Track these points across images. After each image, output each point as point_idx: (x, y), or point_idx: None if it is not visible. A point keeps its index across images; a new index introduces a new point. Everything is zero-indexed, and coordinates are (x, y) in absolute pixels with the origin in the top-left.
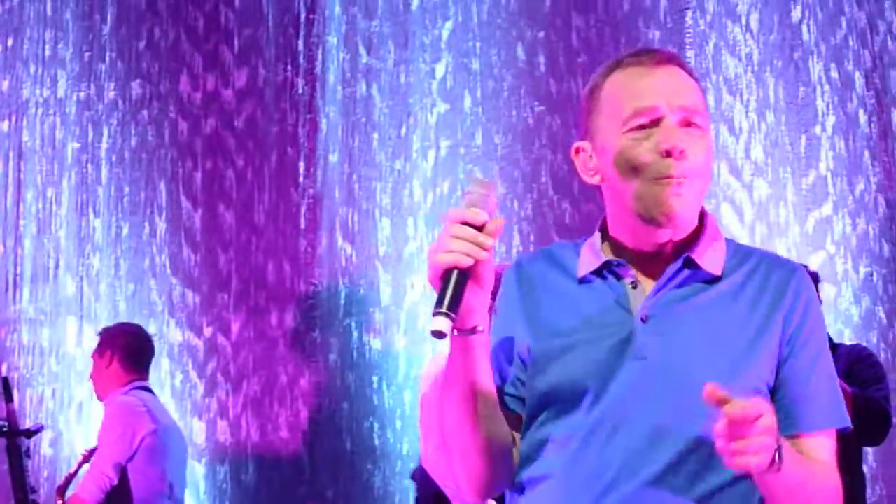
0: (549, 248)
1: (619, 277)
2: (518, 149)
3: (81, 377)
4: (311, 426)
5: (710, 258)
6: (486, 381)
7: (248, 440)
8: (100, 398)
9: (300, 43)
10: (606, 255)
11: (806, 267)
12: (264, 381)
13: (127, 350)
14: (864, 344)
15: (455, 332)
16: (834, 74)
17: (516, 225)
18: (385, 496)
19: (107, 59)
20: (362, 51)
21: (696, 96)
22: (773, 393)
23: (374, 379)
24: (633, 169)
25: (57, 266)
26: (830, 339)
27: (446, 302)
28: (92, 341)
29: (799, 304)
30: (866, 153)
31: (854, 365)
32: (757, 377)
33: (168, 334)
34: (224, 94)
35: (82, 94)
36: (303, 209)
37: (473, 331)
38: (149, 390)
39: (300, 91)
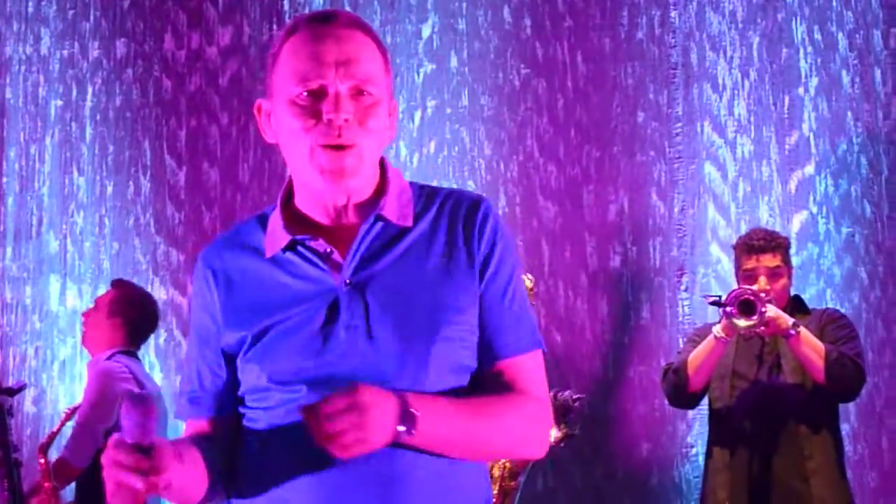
0: (233, 231)
1: (310, 248)
2: (504, 111)
3: (64, 335)
4: None
5: (398, 210)
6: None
7: None
8: (87, 347)
9: (285, 2)
10: (292, 229)
11: (775, 233)
12: None
13: (135, 322)
14: (847, 303)
15: None
16: (817, 35)
17: (502, 187)
18: None
19: (91, 17)
20: (348, 10)
21: (367, 64)
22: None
23: None
24: (300, 137)
25: (40, 224)
26: (804, 304)
27: None
28: (75, 299)
29: (486, 234)
30: (849, 114)
31: (826, 326)
32: (460, 318)
33: (152, 293)
34: (208, 53)
35: (66, 52)
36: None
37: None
38: (134, 356)
39: None
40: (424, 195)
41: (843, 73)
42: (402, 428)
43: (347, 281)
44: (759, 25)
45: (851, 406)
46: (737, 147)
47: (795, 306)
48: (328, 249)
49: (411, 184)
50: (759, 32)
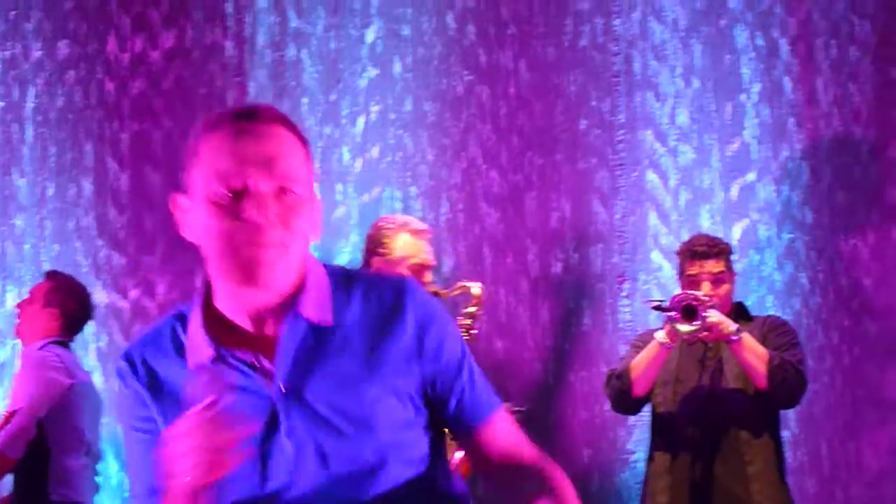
0: (155, 331)
1: (237, 358)
2: (447, 117)
3: (4, 337)
4: None
5: (317, 307)
6: None
7: None
8: (20, 338)
9: (229, 5)
10: (214, 337)
11: (719, 239)
12: None
13: (72, 313)
14: (788, 310)
15: None
16: (760, 42)
17: (445, 193)
18: None
19: (33, 18)
20: (292, 15)
21: (291, 161)
22: (440, 407)
23: None
24: (220, 238)
25: None
26: (746, 311)
27: None
28: (15, 301)
29: (417, 318)
30: (791, 120)
31: (769, 333)
32: (404, 409)
33: (93, 296)
34: (152, 56)
35: (7, 53)
36: None
37: None
38: (66, 346)
39: (228, 53)
40: (344, 285)
41: (786, 79)
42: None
43: (281, 388)
44: (702, 33)
45: (792, 412)
46: (678, 155)
47: (738, 313)
48: (255, 361)
49: (329, 272)
50: (702, 40)
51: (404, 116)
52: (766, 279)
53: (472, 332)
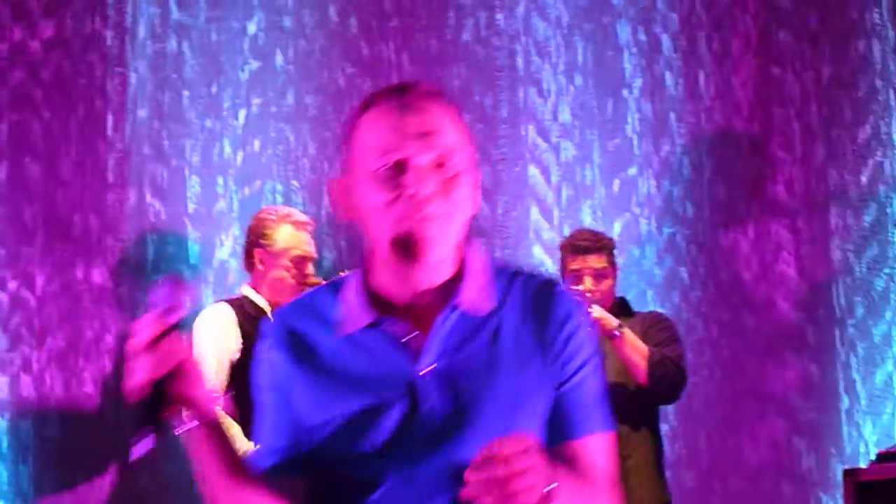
0: (309, 299)
1: (388, 332)
2: (329, 110)
3: None
4: (117, 381)
5: (476, 298)
6: (234, 456)
7: (52, 395)
8: None
9: None
10: (373, 308)
11: (601, 234)
12: (69, 336)
13: None
14: (668, 304)
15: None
16: (642, 37)
17: (326, 186)
18: None
19: None
20: (173, 6)
21: (449, 135)
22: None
23: None
24: (382, 211)
25: None
26: (628, 306)
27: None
28: None
29: (559, 318)
30: (672, 115)
31: (649, 329)
32: (537, 407)
33: None
34: (30, 46)
35: None
36: (110, 163)
37: (207, 419)
38: None
39: (109, 44)
40: (503, 279)
41: (668, 74)
42: (552, 486)
43: (426, 369)
44: (585, 29)
45: (670, 406)
46: (560, 151)
47: (620, 308)
48: (408, 334)
49: (495, 266)
50: (585, 36)
51: (286, 109)
52: (647, 273)
53: None
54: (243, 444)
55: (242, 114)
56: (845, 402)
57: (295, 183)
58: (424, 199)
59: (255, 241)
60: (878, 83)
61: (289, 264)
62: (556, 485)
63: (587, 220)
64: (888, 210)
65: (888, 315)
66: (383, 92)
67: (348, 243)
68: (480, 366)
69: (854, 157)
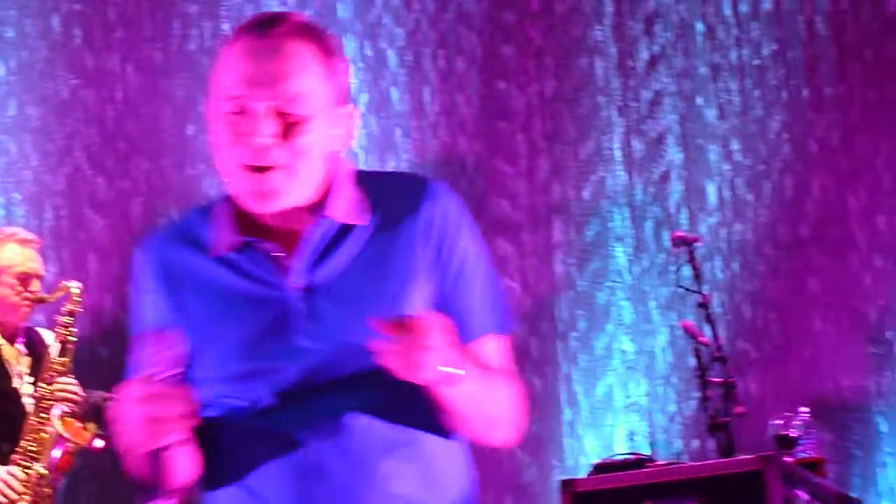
0: (180, 223)
1: (259, 250)
2: (52, 121)
3: None
4: None
5: (346, 208)
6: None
7: None
8: None
9: None
10: (241, 229)
11: None
12: None
13: None
14: None
15: None
16: (368, 52)
17: (49, 199)
18: None
19: None
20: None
21: (298, 80)
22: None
23: None
24: (224, 153)
25: None
26: None
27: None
28: None
29: (436, 219)
30: (398, 131)
31: None
32: (421, 312)
33: None
34: None
35: None
36: None
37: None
38: None
39: None
40: (371, 185)
41: (393, 90)
42: (456, 371)
43: (298, 285)
44: None
45: None
46: None
47: None
48: (278, 253)
49: (361, 174)
50: None
51: (7, 121)
52: None
53: (71, 331)
54: None
55: None
56: (567, 415)
57: (16, 195)
58: (262, 147)
59: None
60: (601, 99)
61: (13, 281)
62: (462, 372)
63: None
64: (609, 224)
65: (609, 328)
66: (249, 25)
67: (71, 256)
68: (357, 275)
69: (577, 172)
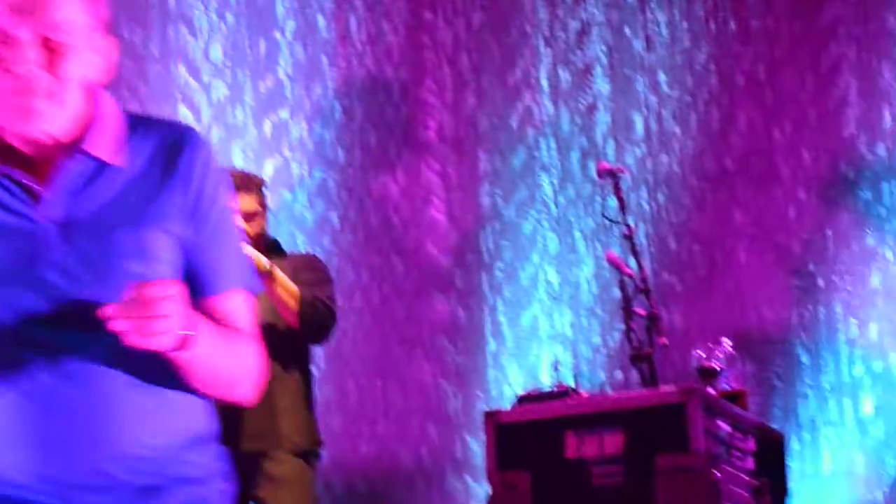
0: None
1: (12, 179)
2: None
3: None
4: None
5: (106, 145)
6: None
7: None
8: None
9: None
10: None
11: (251, 173)
12: None
13: None
14: (318, 248)
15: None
16: None
17: None
18: None
19: None
20: None
21: (59, 9)
22: (189, 269)
23: None
24: None
25: None
26: (280, 247)
27: None
28: None
29: (191, 169)
30: (324, 58)
31: (301, 270)
32: (169, 260)
33: None
34: None
35: None
36: None
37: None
38: None
39: None
40: (139, 127)
41: (320, 17)
42: (191, 332)
43: (50, 218)
44: None
45: (320, 349)
46: (211, 90)
47: (272, 249)
48: (32, 183)
49: (126, 116)
50: None
51: None
52: (297, 217)
53: None
54: None
55: None
56: (492, 346)
57: None
58: (25, 74)
59: None
60: (528, 28)
61: None
62: (193, 333)
63: (238, 163)
64: (536, 154)
65: (535, 258)
66: None
67: None
68: (110, 215)
69: (504, 102)
